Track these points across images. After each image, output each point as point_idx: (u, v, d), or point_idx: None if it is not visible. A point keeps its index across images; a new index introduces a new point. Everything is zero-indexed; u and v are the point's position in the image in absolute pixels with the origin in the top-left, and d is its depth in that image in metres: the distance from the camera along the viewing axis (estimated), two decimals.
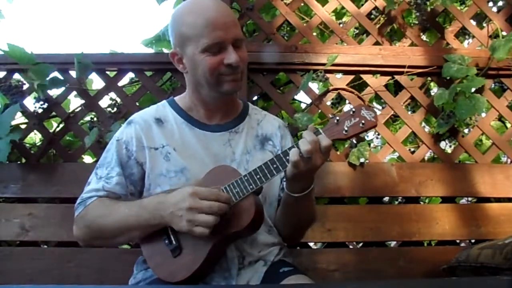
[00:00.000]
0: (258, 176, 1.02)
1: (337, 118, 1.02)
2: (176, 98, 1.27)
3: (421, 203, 1.98)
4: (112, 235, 1.11)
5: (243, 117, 1.26)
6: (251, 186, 1.02)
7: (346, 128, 1.01)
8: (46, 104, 1.87)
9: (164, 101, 1.28)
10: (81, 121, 1.93)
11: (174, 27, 1.16)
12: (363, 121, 1.00)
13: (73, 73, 1.86)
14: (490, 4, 2.19)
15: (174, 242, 1.06)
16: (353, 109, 1.02)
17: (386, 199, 2.08)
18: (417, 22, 2.02)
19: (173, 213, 1.01)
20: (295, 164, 0.98)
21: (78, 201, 1.17)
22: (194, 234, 0.99)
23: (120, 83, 1.93)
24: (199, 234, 0.98)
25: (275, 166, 1.02)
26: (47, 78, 1.77)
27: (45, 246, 1.81)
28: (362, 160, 1.79)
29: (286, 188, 1.09)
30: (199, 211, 0.98)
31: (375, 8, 2.05)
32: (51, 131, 1.89)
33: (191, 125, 1.20)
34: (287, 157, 1.00)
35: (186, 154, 1.16)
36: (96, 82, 2.09)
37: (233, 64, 1.09)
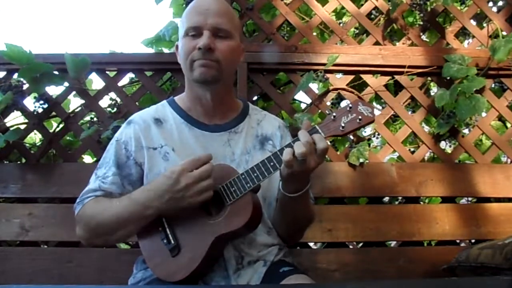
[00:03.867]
0: (255, 174, 1.02)
1: (334, 114, 1.02)
2: (176, 98, 1.28)
3: (421, 203, 1.98)
4: (109, 231, 1.11)
5: (243, 117, 1.26)
6: (248, 185, 1.02)
7: (343, 125, 1.00)
8: (46, 104, 1.87)
9: (164, 101, 1.28)
10: (81, 121, 1.93)
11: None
12: (360, 117, 0.99)
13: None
14: (490, 4, 2.19)
15: (172, 241, 1.06)
16: (350, 105, 1.01)
17: (386, 199, 2.08)
18: (421, 22, 2.02)
19: (172, 197, 1.02)
20: (288, 164, 0.97)
21: (77, 201, 1.18)
22: (201, 201, 1.02)
23: (120, 83, 1.93)
24: (206, 199, 1.02)
25: (272, 164, 1.01)
26: (43, 76, 1.76)
27: (45, 246, 1.81)
28: (361, 160, 1.79)
29: (281, 188, 1.09)
30: (196, 182, 1.01)
31: (375, 8, 2.05)
32: (51, 131, 1.89)
33: (190, 125, 1.20)
34: None
35: (184, 154, 1.16)
36: (96, 82, 2.09)
37: (201, 46, 1.10)
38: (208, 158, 1.04)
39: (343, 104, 2.05)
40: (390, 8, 1.97)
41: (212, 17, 1.13)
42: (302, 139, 0.98)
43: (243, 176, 1.03)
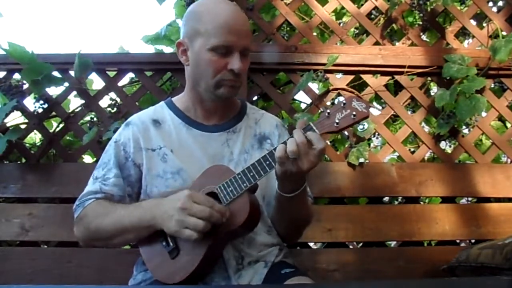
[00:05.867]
0: (251, 174, 1.01)
1: (328, 111, 1.01)
2: (174, 99, 1.28)
3: (421, 203, 1.98)
4: (109, 236, 1.11)
5: (241, 117, 1.26)
6: (244, 184, 1.01)
7: (337, 121, 1.00)
8: (46, 104, 1.87)
9: (162, 102, 1.28)
10: (81, 121, 1.93)
11: (189, 19, 1.18)
12: (354, 113, 0.99)
13: (73, 73, 1.86)
14: (490, 4, 2.19)
15: (171, 243, 1.06)
16: (344, 101, 1.01)
17: (386, 199, 2.08)
18: (420, 22, 2.02)
19: (166, 212, 1.01)
20: (280, 160, 0.97)
21: (76, 202, 1.18)
22: (182, 236, 0.98)
23: (120, 83, 1.93)
24: (186, 237, 0.97)
25: (267, 162, 1.01)
26: (44, 77, 1.76)
27: (45, 246, 1.81)
28: (361, 160, 1.79)
29: (277, 187, 1.09)
30: (190, 213, 0.97)
31: (375, 8, 2.05)
32: (51, 131, 1.89)
33: (188, 125, 1.20)
34: None
35: (183, 155, 1.16)
36: (96, 82, 2.09)
37: (235, 70, 1.11)
38: (221, 210, 0.99)
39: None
40: (392, 9, 1.97)
41: (244, 39, 1.13)
42: (297, 139, 0.97)
43: (240, 176, 1.02)
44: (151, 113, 1.24)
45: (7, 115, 1.80)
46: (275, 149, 1.01)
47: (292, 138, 0.98)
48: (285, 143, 0.99)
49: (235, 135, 1.21)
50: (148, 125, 1.21)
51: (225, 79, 1.13)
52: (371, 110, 1.91)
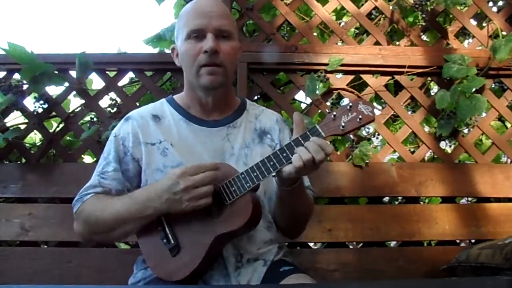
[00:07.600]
0: (255, 174, 1.02)
1: (334, 113, 1.01)
2: (175, 96, 1.29)
3: (421, 203, 1.98)
4: (108, 229, 1.11)
5: (241, 112, 1.26)
6: (248, 184, 1.02)
7: (343, 124, 1.00)
8: (46, 104, 1.87)
9: (163, 99, 1.29)
10: (81, 121, 1.93)
11: (176, 24, 1.22)
12: (360, 116, 0.99)
13: (73, 73, 1.86)
14: (490, 4, 2.19)
15: (172, 241, 1.06)
16: (350, 104, 1.00)
17: (386, 199, 2.08)
18: (423, 23, 2.02)
19: (170, 199, 1.02)
20: (299, 169, 0.98)
21: (76, 197, 1.18)
22: (199, 207, 1.01)
23: (120, 83, 1.94)
24: (203, 205, 1.01)
25: (272, 163, 1.01)
26: (44, 76, 1.76)
27: (45, 246, 1.81)
28: (366, 161, 1.79)
29: (276, 183, 1.09)
30: (195, 186, 1.00)
31: (375, 8, 2.05)
32: (51, 131, 1.89)
33: (188, 121, 1.21)
34: (284, 154, 1.00)
35: (183, 149, 1.16)
36: (96, 82, 2.09)
37: (207, 50, 1.11)
38: (213, 167, 1.03)
39: (343, 103, 2.05)
40: (395, 9, 1.97)
41: (215, 20, 1.13)
42: (312, 153, 0.97)
43: (243, 176, 1.03)
44: (150, 109, 1.25)
45: (4, 111, 1.80)
46: (279, 150, 1.01)
47: (302, 147, 0.98)
48: (291, 145, 0.99)
49: (236, 129, 1.22)
50: (148, 120, 1.21)
51: (201, 64, 1.12)
52: None
